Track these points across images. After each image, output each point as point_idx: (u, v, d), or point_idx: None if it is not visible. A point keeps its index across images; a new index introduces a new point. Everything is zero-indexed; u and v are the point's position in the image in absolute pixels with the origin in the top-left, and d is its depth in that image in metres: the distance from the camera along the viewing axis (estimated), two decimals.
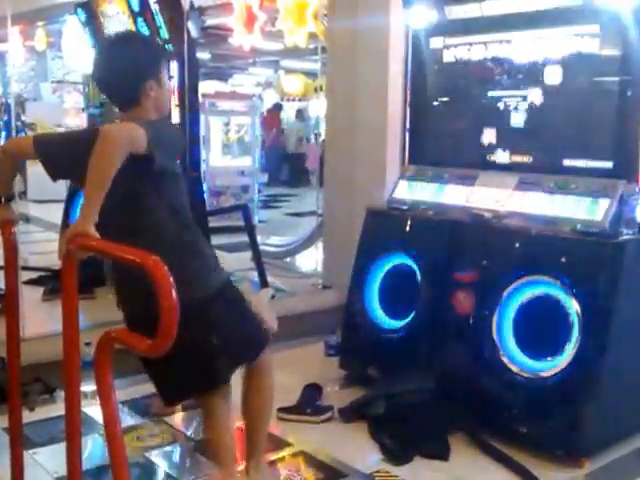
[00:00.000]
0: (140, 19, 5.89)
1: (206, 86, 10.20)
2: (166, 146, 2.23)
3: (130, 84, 2.32)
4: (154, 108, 2.36)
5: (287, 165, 14.50)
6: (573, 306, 2.96)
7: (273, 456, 2.99)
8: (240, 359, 2.42)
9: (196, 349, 2.18)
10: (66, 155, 2.27)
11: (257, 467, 2.58)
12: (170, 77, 2.61)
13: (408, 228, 3.67)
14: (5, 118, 10.62)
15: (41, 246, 6.30)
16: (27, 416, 2.78)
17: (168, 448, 3.06)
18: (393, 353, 3.58)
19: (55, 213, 6.30)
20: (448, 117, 3.89)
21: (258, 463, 2.59)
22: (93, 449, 2.97)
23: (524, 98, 3.45)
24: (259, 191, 9.30)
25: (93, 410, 2.89)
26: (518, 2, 3.41)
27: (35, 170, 8.50)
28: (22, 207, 8.60)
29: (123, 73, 2.32)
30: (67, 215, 5.29)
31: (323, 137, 6.65)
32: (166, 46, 5.76)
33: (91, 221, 1.92)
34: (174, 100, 5.72)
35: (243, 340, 2.39)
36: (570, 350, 2.95)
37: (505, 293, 3.17)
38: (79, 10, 6.71)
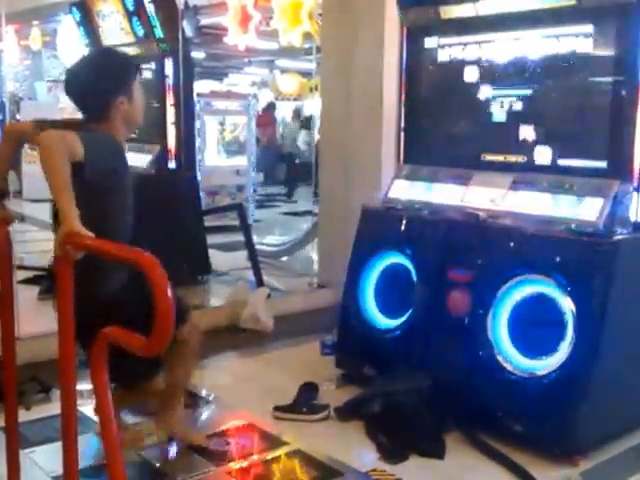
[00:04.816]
0: (135, 18, 5.89)
1: (201, 85, 10.18)
2: (101, 158, 2.26)
3: (101, 98, 2.39)
4: (124, 122, 2.43)
5: (283, 165, 14.47)
6: (568, 305, 2.97)
7: (269, 455, 3.00)
8: None
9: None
10: None
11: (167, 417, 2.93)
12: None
13: (403, 227, 3.68)
14: (0, 117, 10.59)
15: (36, 245, 6.28)
16: (23, 415, 2.78)
17: (164, 447, 3.06)
18: (389, 352, 3.59)
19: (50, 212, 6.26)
20: (443, 117, 3.90)
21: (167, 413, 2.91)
22: (89, 448, 2.96)
23: (518, 98, 3.46)
24: (254, 190, 9.30)
25: (89, 409, 2.90)
26: (512, 2, 3.42)
27: (31, 169, 8.53)
28: (17, 206, 8.62)
29: (94, 87, 2.39)
30: (56, 214, 5.28)
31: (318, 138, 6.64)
32: (161, 45, 5.78)
33: (75, 219, 1.94)
34: (170, 99, 5.76)
35: None
36: (565, 349, 2.96)
37: (500, 292, 3.18)
38: (74, 9, 6.70)
